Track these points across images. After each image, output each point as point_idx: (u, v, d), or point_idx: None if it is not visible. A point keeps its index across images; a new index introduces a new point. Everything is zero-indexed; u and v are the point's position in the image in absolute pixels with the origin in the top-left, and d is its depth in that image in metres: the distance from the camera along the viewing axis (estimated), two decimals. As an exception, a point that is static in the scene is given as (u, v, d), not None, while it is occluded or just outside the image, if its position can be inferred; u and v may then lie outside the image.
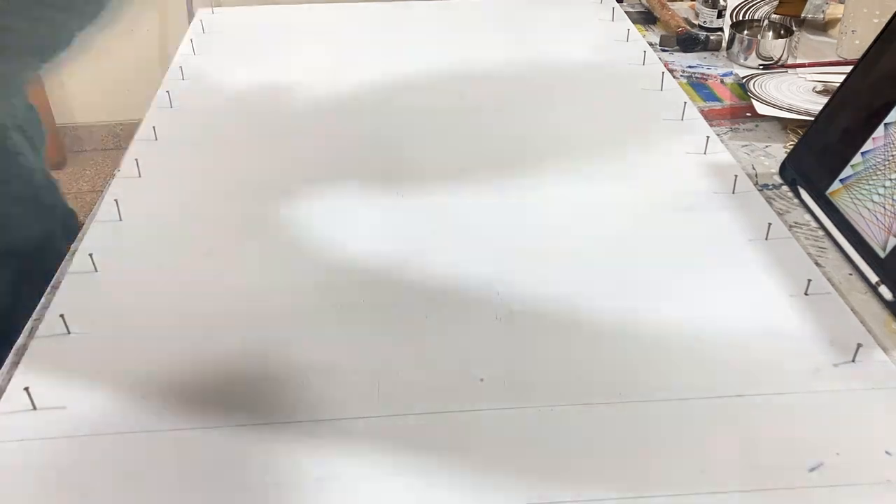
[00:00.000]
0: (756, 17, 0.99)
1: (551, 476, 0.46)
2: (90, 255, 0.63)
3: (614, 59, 0.95)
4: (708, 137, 0.77)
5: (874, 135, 0.63)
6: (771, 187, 0.72)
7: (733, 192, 0.70)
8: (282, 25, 1.08)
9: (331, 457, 0.47)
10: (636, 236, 0.65)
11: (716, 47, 1.01)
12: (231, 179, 0.74)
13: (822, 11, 1.07)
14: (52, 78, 2.21)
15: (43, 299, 0.60)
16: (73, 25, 0.79)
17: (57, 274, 0.63)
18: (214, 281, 0.61)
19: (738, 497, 0.44)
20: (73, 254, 0.64)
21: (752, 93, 0.87)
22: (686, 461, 0.46)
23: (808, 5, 1.07)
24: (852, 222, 0.63)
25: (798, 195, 0.70)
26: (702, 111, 0.84)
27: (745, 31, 0.97)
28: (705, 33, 1.01)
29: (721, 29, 1.02)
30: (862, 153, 0.63)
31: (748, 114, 0.85)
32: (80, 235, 0.67)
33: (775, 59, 0.95)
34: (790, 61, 0.96)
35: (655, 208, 0.68)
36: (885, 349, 0.54)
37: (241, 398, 0.51)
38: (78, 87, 2.26)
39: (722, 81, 0.93)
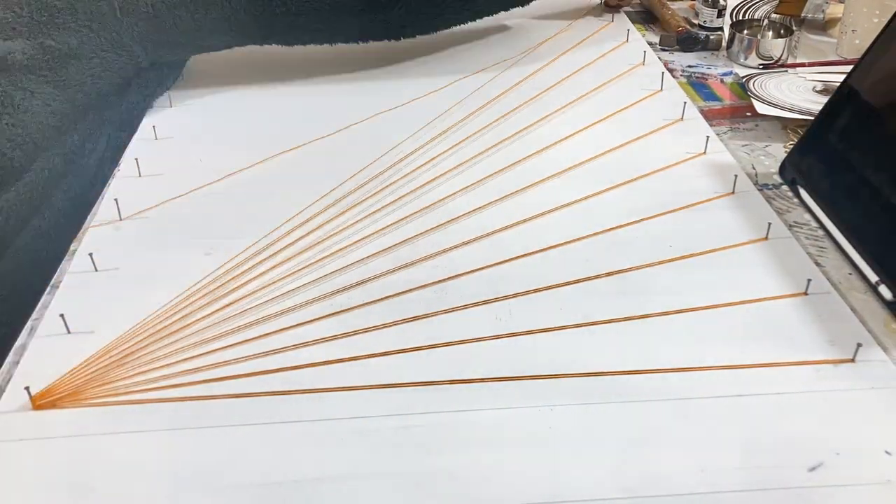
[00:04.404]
0: (756, 17, 0.99)
1: (551, 476, 0.46)
2: (90, 254, 0.63)
3: (614, 59, 0.95)
4: (708, 137, 0.77)
5: None
6: (771, 187, 0.72)
7: (733, 192, 0.70)
8: (282, 25, 1.08)
9: (331, 457, 0.47)
10: (636, 236, 0.65)
11: (716, 47, 1.01)
12: (231, 179, 0.74)
13: (822, 11, 1.07)
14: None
15: (43, 299, 0.60)
16: None
17: (57, 274, 0.63)
18: (214, 281, 0.61)
19: (738, 497, 0.44)
20: (73, 254, 0.65)
21: (752, 92, 0.87)
22: (686, 461, 0.46)
23: (808, 5, 1.07)
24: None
25: (798, 195, 0.70)
26: (702, 111, 0.84)
27: (745, 31, 0.97)
28: (705, 33, 1.01)
29: (721, 28, 1.02)
30: None
31: (748, 113, 0.85)
32: (79, 235, 0.67)
33: (775, 58, 0.95)
34: (790, 61, 0.96)
35: (655, 208, 0.68)
36: (885, 349, 0.54)
37: (240, 397, 0.51)
38: (78, 86, 2.26)
39: (722, 81, 0.93)
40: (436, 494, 0.45)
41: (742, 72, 0.94)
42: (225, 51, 0.89)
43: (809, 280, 0.59)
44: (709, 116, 0.83)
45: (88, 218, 0.69)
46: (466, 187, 0.72)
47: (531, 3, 0.97)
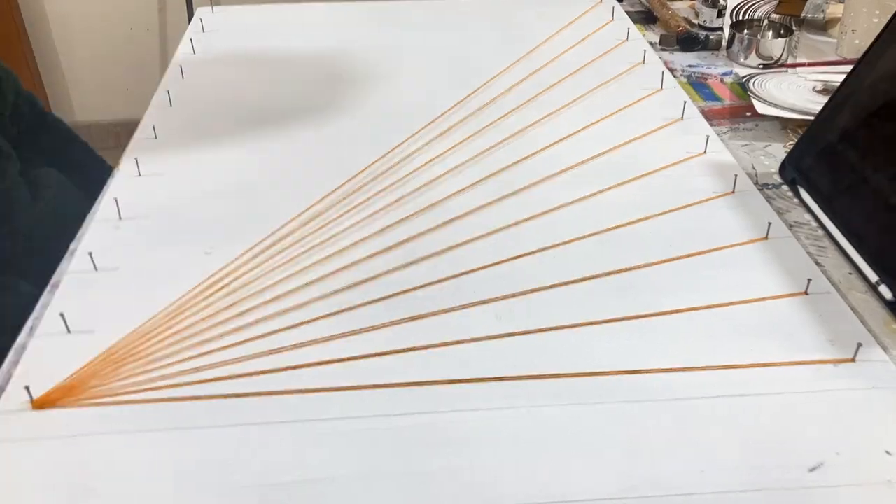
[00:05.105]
0: (756, 17, 0.99)
1: (551, 476, 0.46)
2: (90, 254, 0.63)
3: (614, 59, 0.95)
4: (708, 137, 0.77)
5: None
6: (771, 187, 0.72)
7: (733, 192, 0.70)
8: (281, 24, 1.08)
9: (331, 457, 0.47)
10: (636, 236, 0.65)
11: (716, 47, 1.01)
12: (231, 179, 0.74)
13: (822, 11, 1.07)
14: (51, 76, 2.22)
15: (43, 298, 0.60)
16: None
17: (57, 273, 0.63)
18: (214, 281, 0.61)
19: (738, 497, 0.44)
20: (73, 253, 0.64)
21: (752, 92, 0.87)
22: (686, 461, 0.46)
23: (808, 5, 1.07)
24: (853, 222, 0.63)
25: (798, 195, 0.70)
26: (702, 111, 0.84)
27: (745, 31, 0.97)
28: (705, 33, 1.01)
29: (721, 28, 1.02)
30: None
31: (748, 113, 0.85)
32: (79, 235, 0.67)
33: (775, 58, 0.95)
34: (790, 61, 0.96)
35: (655, 208, 0.68)
36: (885, 349, 0.54)
37: (240, 397, 0.51)
38: (78, 86, 2.26)
39: (722, 81, 0.93)
40: (436, 494, 0.45)
41: (742, 72, 0.94)
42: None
43: (809, 280, 0.59)
44: (709, 116, 0.83)
45: (88, 218, 0.69)
46: (466, 187, 0.72)
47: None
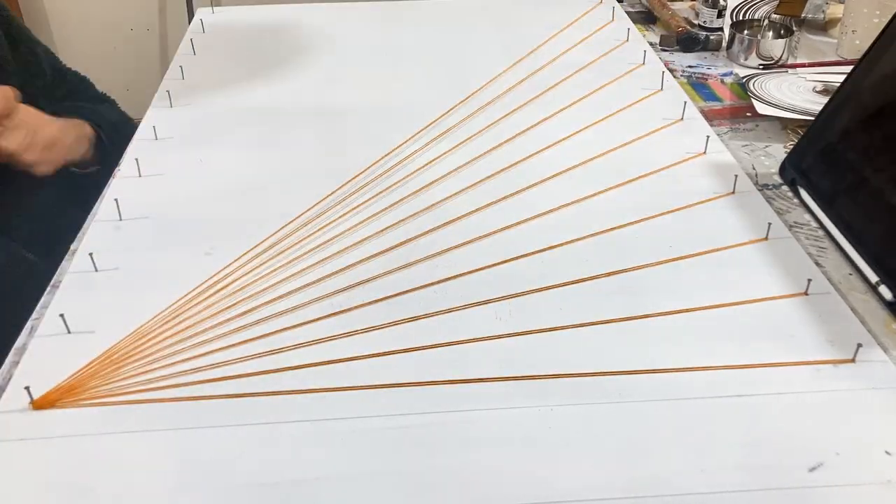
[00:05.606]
0: (756, 17, 0.99)
1: (551, 476, 0.46)
2: (90, 254, 0.63)
3: (614, 59, 0.95)
4: (708, 137, 0.77)
5: None
6: (771, 187, 0.72)
7: (733, 192, 0.70)
8: (282, 25, 1.08)
9: (331, 457, 0.47)
10: (636, 236, 0.65)
11: (716, 47, 1.01)
12: (231, 179, 0.74)
13: (822, 11, 1.07)
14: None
15: (43, 299, 0.60)
16: None
17: (57, 273, 0.63)
18: (214, 281, 0.61)
19: (738, 497, 0.44)
20: (73, 254, 0.65)
21: (752, 93, 0.87)
22: (686, 461, 0.46)
23: (808, 5, 1.07)
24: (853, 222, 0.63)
25: (798, 195, 0.70)
26: (702, 111, 0.84)
27: (746, 31, 0.97)
28: (705, 33, 1.01)
29: (721, 29, 1.02)
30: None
31: (748, 114, 0.85)
32: (79, 235, 0.67)
33: (775, 58, 0.95)
34: (790, 61, 0.96)
35: (655, 208, 0.68)
36: (885, 349, 0.54)
37: (240, 397, 0.51)
38: (78, 86, 2.26)
39: (722, 81, 0.93)
40: (435, 494, 0.45)
41: (742, 72, 0.94)
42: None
43: (809, 280, 0.59)
44: (709, 116, 0.83)
45: (88, 218, 0.69)
46: (467, 187, 0.72)
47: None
